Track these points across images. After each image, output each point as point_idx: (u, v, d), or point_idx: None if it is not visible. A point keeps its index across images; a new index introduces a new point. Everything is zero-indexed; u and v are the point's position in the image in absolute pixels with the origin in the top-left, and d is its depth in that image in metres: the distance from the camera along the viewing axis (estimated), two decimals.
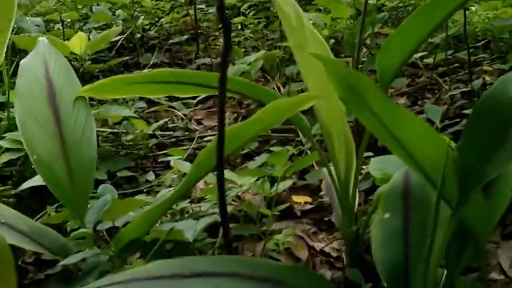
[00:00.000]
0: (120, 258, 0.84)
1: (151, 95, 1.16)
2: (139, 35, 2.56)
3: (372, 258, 0.94)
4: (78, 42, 1.62)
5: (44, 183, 0.92)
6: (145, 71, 2.25)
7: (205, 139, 1.76)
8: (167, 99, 2.11)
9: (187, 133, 1.84)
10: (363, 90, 0.70)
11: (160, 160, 1.76)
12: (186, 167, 1.44)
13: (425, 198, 0.86)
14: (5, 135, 1.43)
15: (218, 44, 2.72)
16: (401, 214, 0.86)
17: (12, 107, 1.53)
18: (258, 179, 1.36)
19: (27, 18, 2.02)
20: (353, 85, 0.71)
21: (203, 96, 2.05)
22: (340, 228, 1.05)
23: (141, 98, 1.92)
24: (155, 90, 1.01)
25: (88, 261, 0.84)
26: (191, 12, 2.54)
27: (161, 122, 1.72)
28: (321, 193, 1.62)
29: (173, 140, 1.83)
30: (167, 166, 1.77)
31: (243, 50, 2.44)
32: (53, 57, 1.01)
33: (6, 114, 1.41)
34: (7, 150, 1.41)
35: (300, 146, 1.53)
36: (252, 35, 2.32)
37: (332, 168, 0.97)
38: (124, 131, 1.72)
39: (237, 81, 0.98)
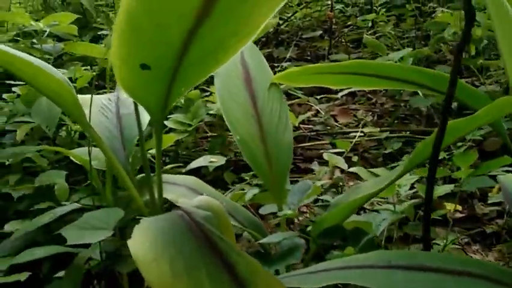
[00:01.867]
0: (316, 243, 0.85)
1: (333, 85, 1.17)
2: (271, 29, 2.61)
3: None
4: None
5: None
6: (285, 64, 2.29)
7: (349, 135, 1.75)
8: (303, 93, 2.13)
9: (328, 127, 1.84)
10: None
11: (299, 152, 1.78)
12: (339, 160, 1.44)
13: None
14: (170, 116, 1.53)
15: (348, 40, 2.70)
16: None
17: None
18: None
19: None
20: None
21: (345, 92, 2.03)
22: None
23: None
24: (338, 81, 1.01)
25: (282, 243, 0.86)
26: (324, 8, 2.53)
27: (307, 114, 1.73)
28: (474, 202, 1.55)
29: (313, 133, 1.84)
30: (306, 159, 1.79)
31: None
32: None
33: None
34: (171, 130, 1.51)
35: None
36: (392, 32, 2.26)
37: None
38: None
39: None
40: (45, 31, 1.39)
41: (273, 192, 0.90)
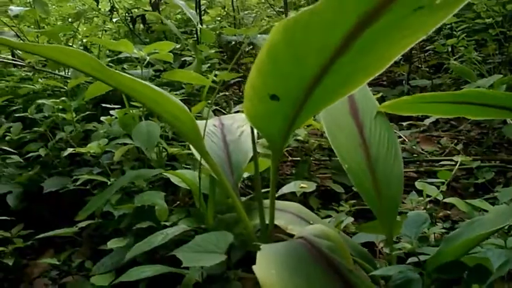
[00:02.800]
0: (430, 277, 0.83)
1: (443, 114, 1.14)
2: None
3: None
4: None
5: None
6: None
7: (435, 163, 1.70)
8: None
9: (415, 155, 1.80)
10: None
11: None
12: (432, 189, 1.40)
13: None
14: (259, 140, 1.55)
15: (427, 66, 2.64)
16: None
17: None
18: None
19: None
20: None
21: (432, 119, 1.99)
22: None
23: None
24: (449, 111, 0.99)
25: (394, 277, 0.84)
26: None
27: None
28: None
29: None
30: None
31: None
32: None
33: None
34: None
35: None
36: (478, 57, 2.19)
37: None
38: None
39: None
40: (146, 59, 1.47)
41: (381, 222, 0.89)
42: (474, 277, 0.75)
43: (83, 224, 1.37)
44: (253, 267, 0.68)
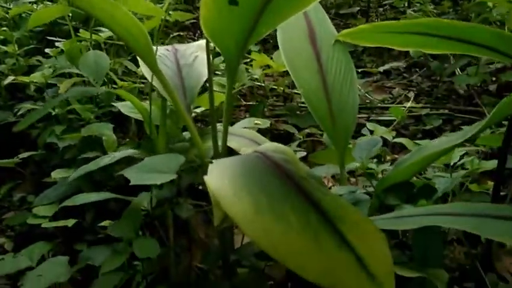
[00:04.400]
0: (379, 198, 0.84)
1: (402, 47, 1.14)
2: None
3: None
4: None
5: None
6: None
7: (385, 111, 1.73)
8: None
9: (368, 102, 1.82)
10: None
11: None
12: (382, 131, 1.43)
13: None
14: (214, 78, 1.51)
15: (383, 19, 2.66)
16: None
17: None
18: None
19: None
20: None
21: (386, 68, 2.01)
22: None
23: None
24: (408, 42, 0.98)
25: (343, 198, 0.85)
26: None
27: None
28: None
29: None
30: None
31: None
32: None
33: None
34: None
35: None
36: (434, 11, 2.22)
37: None
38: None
39: None
40: None
41: (336, 148, 0.89)
42: (421, 194, 0.76)
43: (25, 155, 1.30)
44: (205, 177, 0.66)
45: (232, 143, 0.87)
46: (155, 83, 0.90)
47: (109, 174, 1.20)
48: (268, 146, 0.75)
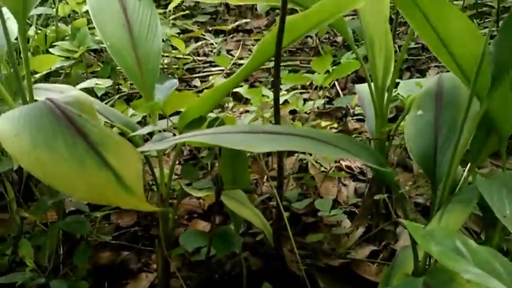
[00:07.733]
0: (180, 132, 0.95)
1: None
2: None
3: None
4: None
5: None
6: None
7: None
8: (199, 28, 2.19)
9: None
10: None
11: (193, 84, 1.87)
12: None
13: (456, 98, 0.97)
14: (56, 43, 1.54)
15: None
16: (433, 111, 0.96)
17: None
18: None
19: None
20: None
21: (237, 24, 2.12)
22: (372, 132, 1.15)
23: (174, 27, 2.02)
24: None
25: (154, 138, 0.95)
26: None
27: (198, 43, 1.81)
28: (348, 118, 1.74)
29: (206, 65, 1.93)
30: (200, 91, 1.89)
31: None
32: None
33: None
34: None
35: None
36: None
37: (370, 73, 1.06)
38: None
39: None
40: None
41: (144, 95, 0.98)
42: (210, 125, 0.89)
43: None
44: None
45: (41, 97, 0.93)
46: None
47: None
48: (68, 95, 0.83)
